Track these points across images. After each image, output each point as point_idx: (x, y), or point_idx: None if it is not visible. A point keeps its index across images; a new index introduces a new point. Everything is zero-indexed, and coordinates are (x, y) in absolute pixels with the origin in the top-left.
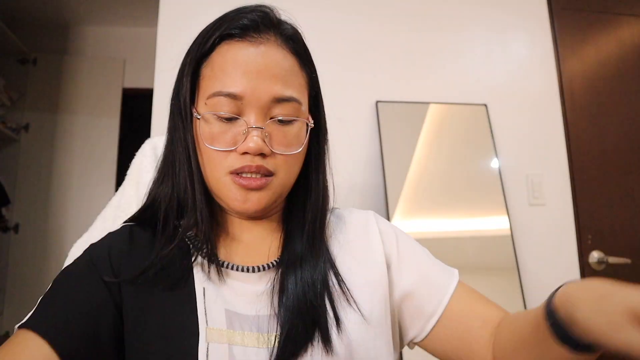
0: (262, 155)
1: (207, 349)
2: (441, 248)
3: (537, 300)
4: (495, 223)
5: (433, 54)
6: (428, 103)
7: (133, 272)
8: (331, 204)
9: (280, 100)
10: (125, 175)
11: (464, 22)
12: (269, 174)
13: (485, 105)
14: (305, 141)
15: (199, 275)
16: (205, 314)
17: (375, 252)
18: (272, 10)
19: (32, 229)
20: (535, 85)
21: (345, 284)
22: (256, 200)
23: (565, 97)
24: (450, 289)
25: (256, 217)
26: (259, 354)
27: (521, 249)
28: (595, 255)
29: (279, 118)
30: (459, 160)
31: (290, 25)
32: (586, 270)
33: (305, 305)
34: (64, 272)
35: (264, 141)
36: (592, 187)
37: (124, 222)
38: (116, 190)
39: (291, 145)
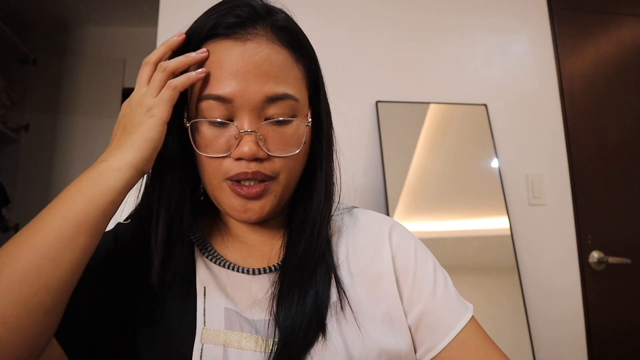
0: (259, 159)
1: (202, 350)
2: (441, 248)
3: (537, 300)
4: (495, 223)
5: (433, 54)
6: (428, 103)
7: (147, 275)
8: (336, 200)
9: (273, 99)
10: None
11: (463, 22)
12: (267, 178)
13: (485, 105)
14: (304, 139)
15: (201, 275)
16: (204, 314)
17: (382, 271)
18: (260, 1)
19: None
20: (535, 85)
21: (345, 294)
22: (258, 209)
23: (565, 97)
24: (446, 339)
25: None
26: (255, 357)
27: (521, 249)
28: (595, 255)
29: (275, 119)
30: (459, 160)
31: (283, 14)
32: (586, 270)
33: (305, 313)
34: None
35: (259, 145)
36: (592, 186)
37: (126, 220)
38: None
39: (289, 147)
